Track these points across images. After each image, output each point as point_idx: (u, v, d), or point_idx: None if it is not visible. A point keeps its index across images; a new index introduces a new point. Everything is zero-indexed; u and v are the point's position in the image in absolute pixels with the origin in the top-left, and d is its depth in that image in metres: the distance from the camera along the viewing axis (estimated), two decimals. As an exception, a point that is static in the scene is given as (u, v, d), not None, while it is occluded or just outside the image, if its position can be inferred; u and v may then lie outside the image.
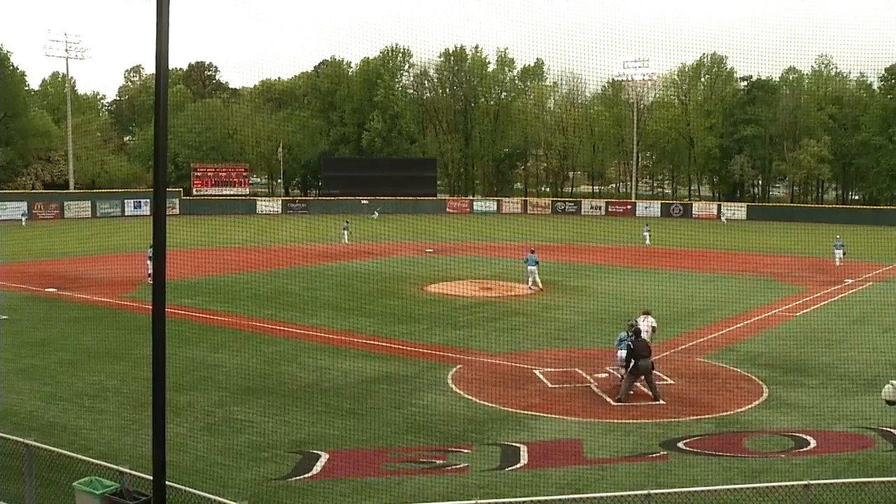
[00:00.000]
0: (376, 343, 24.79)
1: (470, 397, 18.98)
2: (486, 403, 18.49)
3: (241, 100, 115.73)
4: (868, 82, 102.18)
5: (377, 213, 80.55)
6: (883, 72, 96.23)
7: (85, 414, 17.66)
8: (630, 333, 19.45)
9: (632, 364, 18.75)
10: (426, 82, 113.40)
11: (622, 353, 19.45)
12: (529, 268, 35.94)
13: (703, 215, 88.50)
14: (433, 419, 17.42)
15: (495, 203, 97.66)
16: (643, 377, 18.93)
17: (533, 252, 36.55)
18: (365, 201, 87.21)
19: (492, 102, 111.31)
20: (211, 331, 26.51)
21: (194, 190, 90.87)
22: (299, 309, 30.63)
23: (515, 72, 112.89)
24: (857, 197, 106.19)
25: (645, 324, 22.11)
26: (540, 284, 35.86)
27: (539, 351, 23.89)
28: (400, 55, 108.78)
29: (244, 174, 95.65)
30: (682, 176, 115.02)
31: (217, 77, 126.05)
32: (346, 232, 56.94)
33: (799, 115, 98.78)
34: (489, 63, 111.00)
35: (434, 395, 19.16)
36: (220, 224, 65.06)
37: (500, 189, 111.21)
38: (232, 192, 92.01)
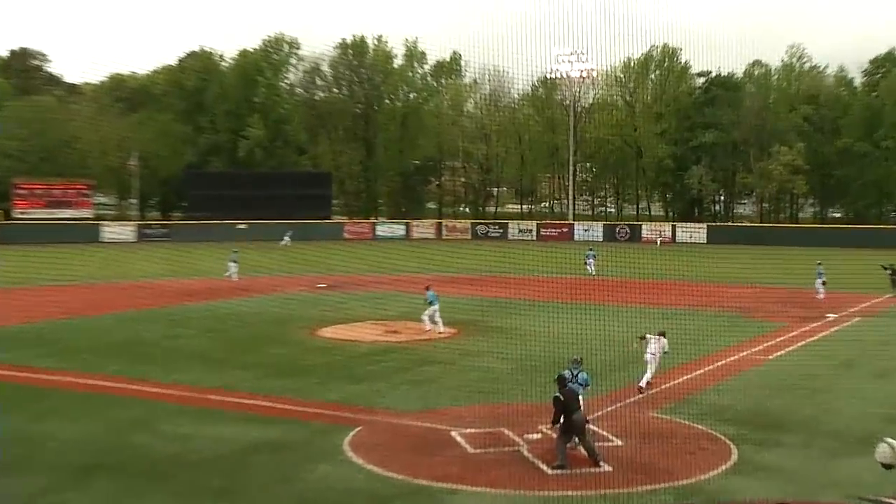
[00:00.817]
0: (255, 402, 24.42)
1: (372, 468, 18.75)
2: (392, 475, 18.27)
3: (83, 99, 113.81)
4: (848, 77, 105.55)
5: (288, 239, 78.60)
6: (867, 64, 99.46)
7: None
8: (574, 372, 19.49)
9: (562, 421, 18.59)
10: (318, 80, 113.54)
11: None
12: (433, 307, 35.98)
13: (653, 238, 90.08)
14: (327, 496, 17.18)
15: (404, 226, 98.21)
16: (575, 437, 18.76)
17: (428, 288, 36.66)
18: (242, 226, 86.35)
19: (399, 104, 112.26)
20: (37, 394, 25.68)
21: (17, 212, 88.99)
22: (156, 362, 30.03)
23: (427, 67, 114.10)
24: (838, 214, 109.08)
25: (657, 345, 24.86)
26: (430, 326, 35.90)
27: (457, 408, 23.80)
28: (286, 46, 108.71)
29: (86, 193, 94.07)
30: (629, 192, 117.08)
31: (47, 68, 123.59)
32: (234, 265, 54.59)
33: (767, 118, 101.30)
34: (395, 57, 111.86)
35: (328, 467, 18.90)
36: (51, 256, 63.36)
37: (409, 209, 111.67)
38: (69, 216, 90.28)
